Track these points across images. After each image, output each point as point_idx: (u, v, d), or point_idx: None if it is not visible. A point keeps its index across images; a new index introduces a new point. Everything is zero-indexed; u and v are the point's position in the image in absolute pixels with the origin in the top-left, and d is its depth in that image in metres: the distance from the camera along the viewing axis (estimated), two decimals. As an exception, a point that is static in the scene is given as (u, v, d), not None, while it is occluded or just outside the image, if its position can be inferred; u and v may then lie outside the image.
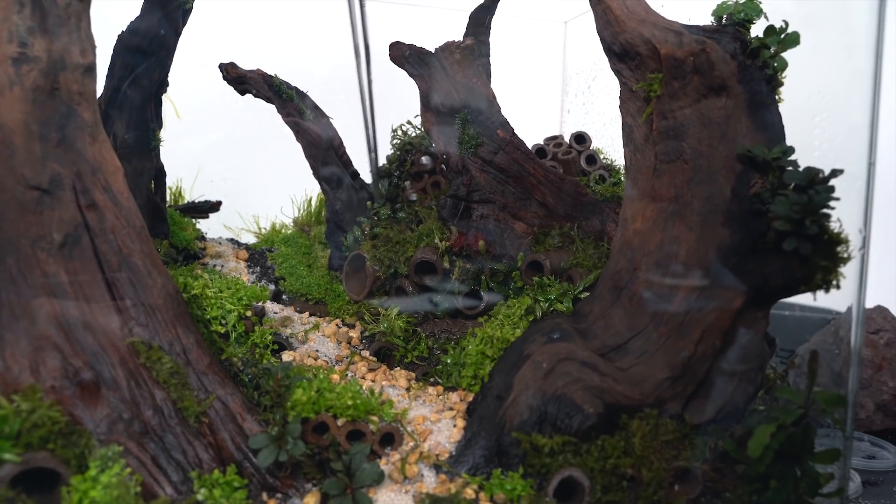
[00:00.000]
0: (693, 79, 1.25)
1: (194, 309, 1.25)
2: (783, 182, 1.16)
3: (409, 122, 1.71)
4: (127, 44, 1.47)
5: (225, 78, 1.61)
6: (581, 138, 1.69)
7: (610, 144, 1.76)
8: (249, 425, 1.11)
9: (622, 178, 1.70)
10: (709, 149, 1.25)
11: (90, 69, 1.18)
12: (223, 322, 1.27)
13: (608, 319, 1.29)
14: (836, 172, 1.14)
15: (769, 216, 1.14)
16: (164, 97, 1.61)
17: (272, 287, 1.58)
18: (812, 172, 1.16)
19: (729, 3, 1.33)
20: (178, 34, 1.52)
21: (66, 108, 1.15)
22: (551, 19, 1.88)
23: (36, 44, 1.11)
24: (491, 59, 1.63)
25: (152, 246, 1.18)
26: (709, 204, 1.24)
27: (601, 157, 1.73)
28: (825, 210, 1.11)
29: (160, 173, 1.59)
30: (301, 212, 1.79)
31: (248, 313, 1.30)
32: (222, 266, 1.58)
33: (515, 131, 1.56)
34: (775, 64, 1.24)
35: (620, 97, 1.38)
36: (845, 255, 1.11)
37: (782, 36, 1.25)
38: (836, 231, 1.11)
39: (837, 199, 1.12)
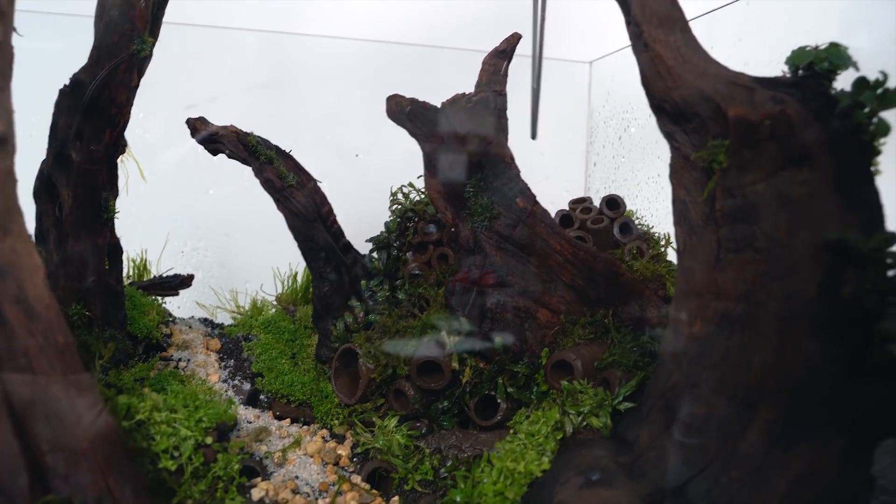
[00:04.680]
0: (768, 147, 0.99)
1: (139, 440, 0.99)
2: (891, 285, 0.90)
3: (410, 185, 1.46)
4: (69, 100, 1.22)
5: (193, 135, 1.36)
6: (613, 203, 1.43)
7: (646, 207, 1.50)
8: None
9: (663, 250, 1.44)
10: (788, 235, 0.99)
11: (4, 142, 0.93)
12: (176, 454, 1.01)
13: (661, 451, 1.03)
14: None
15: (877, 334, 0.88)
16: (125, 158, 1.37)
17: (248, 386, 1.32)
18: (929, 270, 0.90)
19: (808, 48, 1.07)
20: (133, 87, 1.27)
21: (-33, 194, 0.90)
22: (574, 59, 1.62)
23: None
24: (508, 105, 1.38)
25: (80, 366, 0.92)
26: (789, 306, 0.97)
27: (637, 222, 1.47)
28: (952, 326, 0.85)
29: (115, 249, 1.34)
30: (285, 288, 1.53)
31: (209, 440, 1.04)
32: (189, 361, 1.32)
33: (537, 199, 1.30)
34: (872, 128, 0.98)
35: (672, 165, 1.12)
36: None
37: (879, 91, 0.99)
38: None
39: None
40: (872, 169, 1.01)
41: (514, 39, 1.31)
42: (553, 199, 1.68)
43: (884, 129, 0.98)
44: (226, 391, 1.29)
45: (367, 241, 1.47)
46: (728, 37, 1.28)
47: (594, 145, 1.68)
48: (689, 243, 1.10)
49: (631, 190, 1.53)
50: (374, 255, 1.44)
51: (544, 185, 1.60)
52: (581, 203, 1.46)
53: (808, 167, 0.99)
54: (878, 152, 1.01)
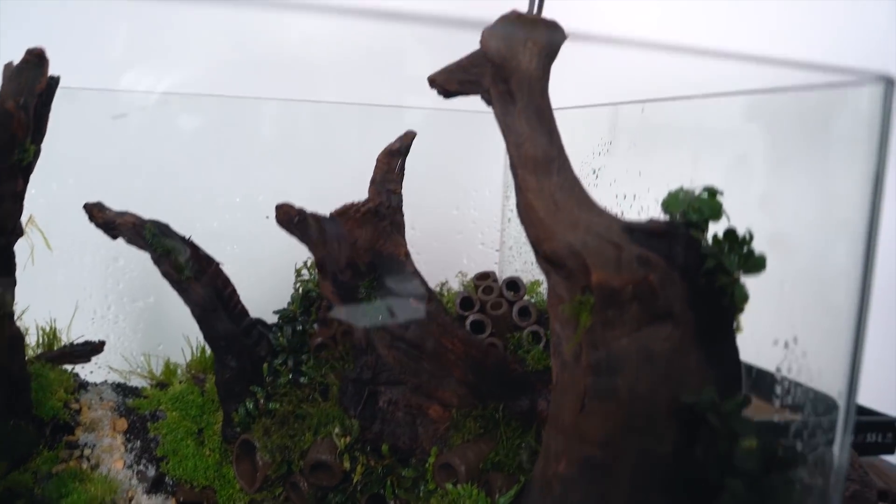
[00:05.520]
0: (632, 307, 1.01)
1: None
2: (735, 462, 0.94)
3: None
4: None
5: (91, 221, 1.35)
6: (514, 285, 1.44)
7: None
8: None
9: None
10: (649, 389, 1.02)
11: None
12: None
13: (523, 587, 1.10)
14: (792, 458, 0.92)
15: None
16: (29, 228, 1.38)
17: (153, 471, 1.36)
18: (769, 451, 0.94)
19: (683, 192, 1.07)
20: (19, 192, 1.26)
21: None
22: (491, 111, 1.59)
23: None
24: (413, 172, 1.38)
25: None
26: (645, 460, 1.02)
27: (538, 296, 1.49)
28: (783, 512, 0.90)
29: (16, 340, 1.35)
30: (195, 355, 1.55)
31: (96, 568, 1.09)
32: (94, 446, 1.36)
33: (433, 292, 1.32)
34: (734, 292, 1.00)
35: (548, 298, 1.14)
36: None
37: (745, 250, 1.00)
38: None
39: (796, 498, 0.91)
40: (735, 326, 1.03)
41: (408, 138, 1.29)
42: (469, 253, 1.70)
43: (743, 297, 1.00)
44: (130, 478, 1.34)
45: (273, 312, 1.49)
46: (623, 140, 1.27)
47: (509, 201, 1.68)
48: (561, 378, 1.14)
49: (538, 256, 1.54)
50: (280, 330, 1.46)
51: (459, 239, 1.62)
52: (484, 280, 1.47)
53: (671, 323, 1.01)
54: (740, 310, 1.03)
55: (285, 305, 1.51)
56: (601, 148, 1.33)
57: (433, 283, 1.67)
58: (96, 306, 1.53)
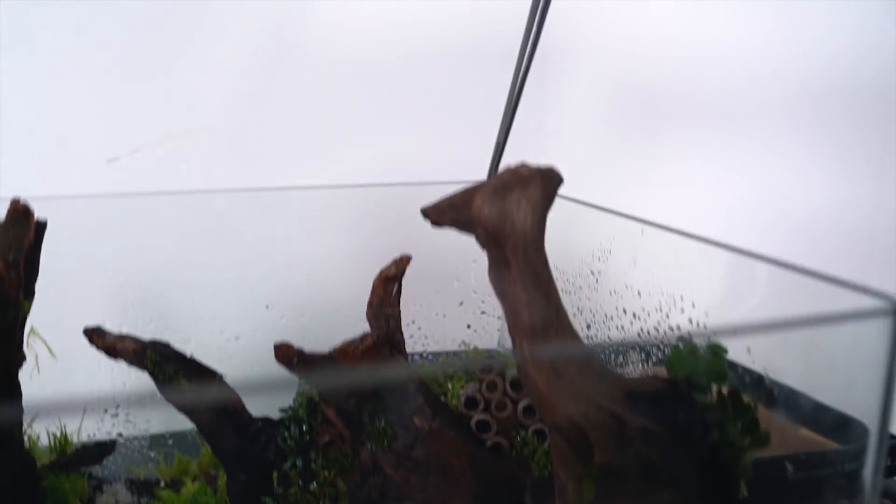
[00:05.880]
0: (635, 479, 1.01)
1: None
2: None
3: (317, 366, 1.46)
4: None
5: (92, 345, 1.35)
6: (518, 384, 1.44)
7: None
8: None
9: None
10: (653, 552, 1.03)
11: None
12: None
13: None
14: None
15: None
16: (31, 338, 1.39)
17: (169, 583, 1.40)
18: None
19: (685, 352, 1.05)
20: (19, 340, 1.26)
21: None
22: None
23: None
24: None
25: None
26: None
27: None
28: None
29: (28, 466, 1.37)
30: (204, 449, 1.57)
31: None
32: (113, 562, 1.40)
33: (440, 403, 1.33)
34: (737, 466, 0.99)
35: (551, 449, 1.14)
36: None
37: (749, 419, 0.99)
38: None
39: None
40: (740, 487, 1.03)
41: (403, 263, 1.27)
42: (471, 321, 1.69)
43: (747, 473, 0.99)
44: None
45: (279, 410, 1.49)
46: (621, 264, 1.24)
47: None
48: (567, 527, 1.15)
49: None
50: (287, 430, 1.47)
51: (460, 310, 1.61)
52: (487, 374, 1.47)
53: (674, 490, 1.01)
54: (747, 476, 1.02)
55: (291, 399, 1.52)
56: (601, 254, 1.31)
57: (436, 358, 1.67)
58: (105, 406, 1.55)
